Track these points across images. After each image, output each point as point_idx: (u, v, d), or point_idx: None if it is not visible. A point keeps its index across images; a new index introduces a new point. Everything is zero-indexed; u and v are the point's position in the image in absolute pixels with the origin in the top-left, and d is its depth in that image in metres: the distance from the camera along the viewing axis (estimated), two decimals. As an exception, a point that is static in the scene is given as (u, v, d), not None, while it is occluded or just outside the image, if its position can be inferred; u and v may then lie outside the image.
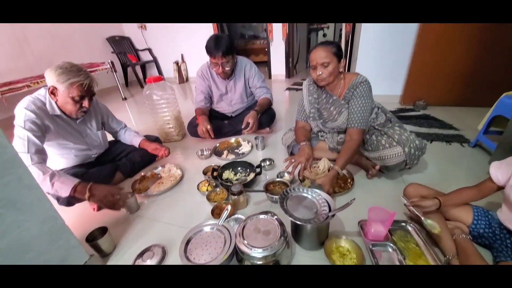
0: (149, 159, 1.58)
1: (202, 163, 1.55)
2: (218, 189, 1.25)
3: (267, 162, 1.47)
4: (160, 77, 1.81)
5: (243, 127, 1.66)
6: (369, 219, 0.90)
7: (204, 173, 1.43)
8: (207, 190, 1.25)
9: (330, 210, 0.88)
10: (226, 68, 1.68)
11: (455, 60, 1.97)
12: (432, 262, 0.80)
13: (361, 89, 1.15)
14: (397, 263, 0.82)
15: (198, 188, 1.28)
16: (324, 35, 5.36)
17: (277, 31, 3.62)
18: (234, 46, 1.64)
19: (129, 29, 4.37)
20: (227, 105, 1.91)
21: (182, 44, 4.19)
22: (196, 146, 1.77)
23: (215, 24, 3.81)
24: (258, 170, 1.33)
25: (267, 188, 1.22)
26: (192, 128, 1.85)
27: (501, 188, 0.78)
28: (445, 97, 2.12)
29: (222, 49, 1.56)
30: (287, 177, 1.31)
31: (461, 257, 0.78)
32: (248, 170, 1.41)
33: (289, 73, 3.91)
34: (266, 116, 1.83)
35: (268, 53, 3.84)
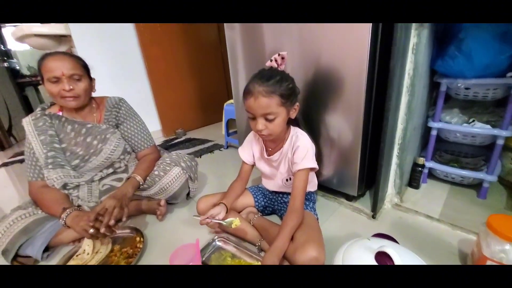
0: None
1: None
2: None
3: None
4: None
5: None
6: (176, 272, 0.64)
7: None
8: None
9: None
10: None
11: (186, 93, 2.39)
12: (251, 261, 0.76)
13: (126, 107, 1.04)
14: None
15: None
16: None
17: None
18: None
19: None
20: None
21: None
22: None
23: None
24: None
25: None
26: None
27: (253, 165, 0.93)
28: (195, 121, 2.52)
29: None
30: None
31: (265, 236, 0.81)
32: None
33: (2, 144, 2.53)
34: None
35: None
